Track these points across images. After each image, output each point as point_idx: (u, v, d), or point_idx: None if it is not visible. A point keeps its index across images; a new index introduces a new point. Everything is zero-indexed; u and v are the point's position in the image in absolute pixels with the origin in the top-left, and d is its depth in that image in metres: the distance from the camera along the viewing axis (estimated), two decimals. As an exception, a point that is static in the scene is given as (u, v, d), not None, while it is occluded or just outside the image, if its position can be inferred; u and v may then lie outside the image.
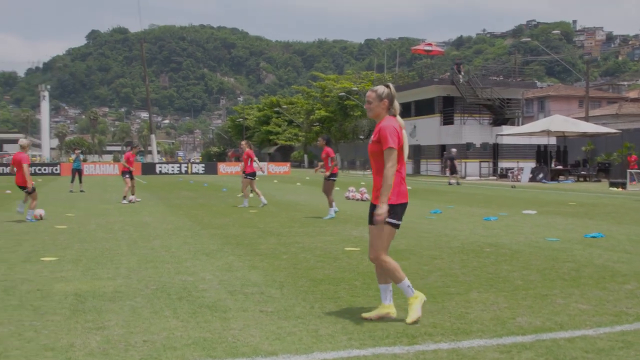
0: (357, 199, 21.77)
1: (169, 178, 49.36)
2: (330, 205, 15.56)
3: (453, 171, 36.25)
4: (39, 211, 15.24)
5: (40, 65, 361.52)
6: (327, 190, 15.67)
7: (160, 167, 61.12)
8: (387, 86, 5.80)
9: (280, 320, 5.60)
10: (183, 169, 60.89)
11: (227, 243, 10.79)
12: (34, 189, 14.89)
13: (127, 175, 21.60)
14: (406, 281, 5.62)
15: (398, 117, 5.75)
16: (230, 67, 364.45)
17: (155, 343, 4.95)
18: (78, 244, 10.75)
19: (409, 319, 5.48)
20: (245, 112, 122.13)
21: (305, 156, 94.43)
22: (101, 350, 4.77)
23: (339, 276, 7.74)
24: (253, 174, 19.49)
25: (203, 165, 62.55)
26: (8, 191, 26.32)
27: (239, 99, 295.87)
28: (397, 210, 5.54)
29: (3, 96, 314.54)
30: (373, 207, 5.64)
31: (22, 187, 14.85)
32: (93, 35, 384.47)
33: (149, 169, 59.81)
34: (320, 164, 16.83)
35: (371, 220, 5.62)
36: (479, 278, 7.65)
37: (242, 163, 25.33)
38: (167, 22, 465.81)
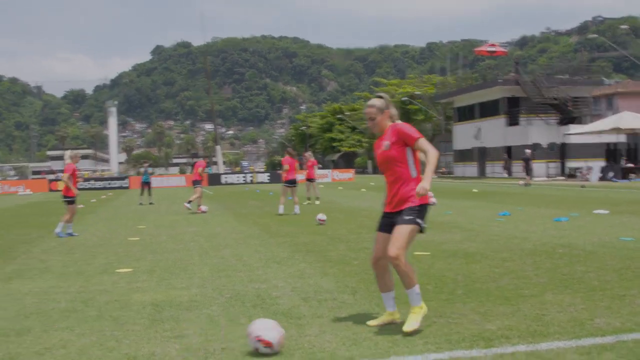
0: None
1: (235, 188, 49.93)
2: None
3: (528, 172, 36.05)
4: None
5: (108, 82, 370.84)
6: None
7: (226, 177, 61.88)
8: (381, 97, 5.71)
9: (355, 326, 5.63)
10: (248, 179, 61.53)
11: (297, 251, 10.88)
12: (72, 202, 14.84)
13: (198, 184, 22.25)
14: (417, 287, 5.45)
15: (398, 122, 5.68)
16: (292, 76, 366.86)
17: (234, 350, 5.04)
18: (151, 255, 10.98)
19: (409, 328, 5.32)
20: (308, 120, 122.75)
21: (369, 162, 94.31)
22: (182, 358, 4.88)
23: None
24: (290, 182, 19.59)
25: (268, 174, 63.07)
26: (81, 205, 27.06)
27: (301, 107, 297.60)
28: (424, 212, 5.46)
29: (73, 113, 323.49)
30: (389, 215, 5.57)
31: (66, 197, 14.81)
32: (158, 50, 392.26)
33: (214, 179, 60.62)
34: None
35: (383, 227, 5.60)
36: (553, 279, 7.53)
37: (307, 171, 25.65)
38: (229, 34, 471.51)
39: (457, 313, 5.99)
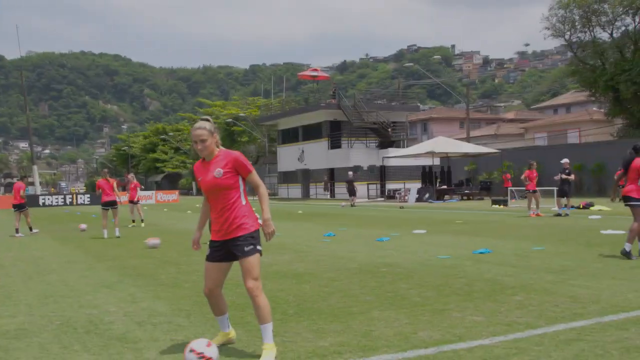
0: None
1: (54, 210, 47.87)
2: None
3: (352, 193, 37.36)
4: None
5: None
6: None
7: (44, 199, 59.10)
8: (208, 120, 5.59)
9: (192, 348, 5.69)
10: (68, 200, 59.12)
11: (126, 274, 10.71)
12: None
13: (24, 208, 21.31)
14: (271, 325, 5.38)
15: (231, 151, 5.59)
16: (113, 95, 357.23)
17: (70, 377, 4.96)
18: (-31, 282, 10.41)
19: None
20: (130, 140, 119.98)
21: (194, 183, 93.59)
22: (15, 388, 4.74)
23: (243, 302, 7.83)
24: (108, 203, 19.23)
25: (89, 195, 60.97)
26: None
27: (123, 126, 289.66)
28: (259, 237, 5.52)
29: None
30: (218, 244, 5.49)
31: None
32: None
33: (32, 201, 57.62)
34: None
35: (213, 257, 5.54)
36: (379, 297, 7.97)
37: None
38: (46, 48, 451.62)
39: (291, 332, 6.22)
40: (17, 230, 20.99)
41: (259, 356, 5.26)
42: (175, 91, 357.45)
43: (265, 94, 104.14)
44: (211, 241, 5.57)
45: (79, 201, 59.10)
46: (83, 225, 22.08)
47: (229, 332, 5.83)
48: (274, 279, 9.63)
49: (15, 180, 22.96)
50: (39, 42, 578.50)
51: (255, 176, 5.55)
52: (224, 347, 5.65)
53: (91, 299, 8.46)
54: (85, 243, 17.26)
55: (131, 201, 25.06)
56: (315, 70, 66.94)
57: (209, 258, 5.58)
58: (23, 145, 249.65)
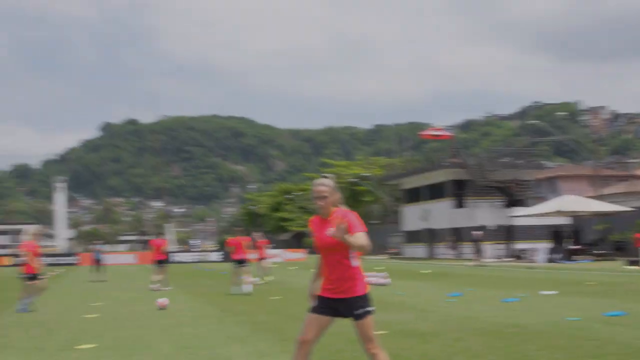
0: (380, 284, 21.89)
1: (186, 267, 49.63)
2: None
3: (478, 253, 36.99)
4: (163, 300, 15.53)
5: (55, 157, 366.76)
6: None
7: (177, 255, 61.46)
8: (329, 177, 5.72)
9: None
10: (199, 258, 61.28)
11: (255, 330, 11.07)
12: (32, 278, 14.86)
13: (164, 263, 22.14)
14: None
15: (344, 209, 5.69)
16: (240, 155, 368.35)
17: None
18: (111, 332, 11.06)
19: None
20: (257, 200, 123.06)
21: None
22: None
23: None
24: (239, 261, 19.79)
25: (221, 252, 62.72)
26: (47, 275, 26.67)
27: (250, 186, 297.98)
28: (369, 298, 5.61)
29: (19, 188, 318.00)
30: (327, 300, 5.63)
31: (29, 275, 14.82)
32: (106, 127, 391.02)
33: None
34: None
35: (318, 310, 5.66)
36: (506, 358, 7.91)
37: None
38: (177, 112, 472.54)
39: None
40: (153, 283, 21.98)
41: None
42: (300, 151, 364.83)
43: (388, 154, 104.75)
44: (320, 297, 5.69)
45: (210, 258, 61.02)
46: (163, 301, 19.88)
47: None
48: (398, 338, 9.71)
49: (152, 237, 23.96)
50: (171, 105, 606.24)
51: (364, 237, 5.44)
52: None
53: (223, 352, 8.84)
54: (216, 298, 17.87)
55: (260, 258, 25.72)
56: (438, 129, 66.90)
57: (313, 310, 5.70)
58: (157, 204, 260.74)
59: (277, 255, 61.07)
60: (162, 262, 22.20)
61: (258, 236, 26.72)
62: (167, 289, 22.39)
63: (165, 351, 8.93)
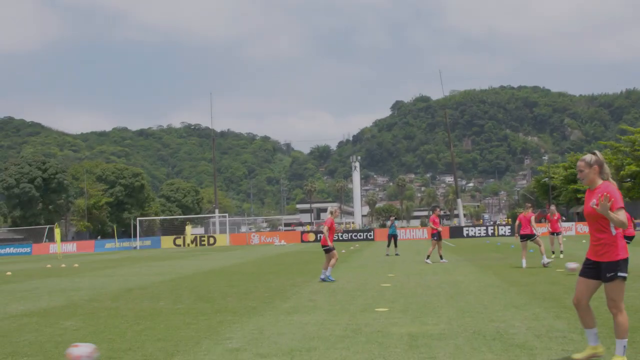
0: None
1: (476, 241, 50.64)
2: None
3: None
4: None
5: (350, 138, 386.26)
6: None
7: (467, 230, 62.74)
8: (594, 153, 6.41)
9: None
10: (490, 232, 61.90)
11: (534, 298, 11.83)
12: (331, 249, 16.92)
13: (435, 237, 23.73)
14: (625, 341, 6.22)
15: (611, 180, 6.37)
16: (533, 126, 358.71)
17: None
18: (403, 298, 12.50)
19: None
20: (550, 172, 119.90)
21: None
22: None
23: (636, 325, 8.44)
24: (524, 236, 20.16)
25: (509, 227, 62.90)
26: (343, 250, 29.45)
27: (543, 158, 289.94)
28: (624, 265, 6.19)
29: (318, 168, 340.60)
30: (590, 263, 6.36)
31: (324, 247, 17.09)
32: (397, 105, 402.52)
33: (456, 232, 61.73)
34: None
35: (585, 273, 6.41)
36: None
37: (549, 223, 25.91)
38: (466, 86, 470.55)
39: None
40: (441, 257, 23.61)
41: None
42: (597, 118, 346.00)
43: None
44: (586, 258, 6.50)
45: (500, 232, 61.35)
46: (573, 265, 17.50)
47: (597, 347, 6.53)
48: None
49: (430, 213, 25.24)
50: (460, 80, 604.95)
51: (622, 213, 6.14)
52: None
53: (500, 315, 9.81)
54: (502, 271, 18.71)
55: (552, 232, 25.67)
56: None
57: (581, 273, 6.51)
58: (449, 179, 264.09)
59: (570, 229, 59.69)
60: (434, 235, 23.85)
61: (552, 210, 26.57)
62: (442, 261, 23.58)
63: (448, 314, 10.10)
